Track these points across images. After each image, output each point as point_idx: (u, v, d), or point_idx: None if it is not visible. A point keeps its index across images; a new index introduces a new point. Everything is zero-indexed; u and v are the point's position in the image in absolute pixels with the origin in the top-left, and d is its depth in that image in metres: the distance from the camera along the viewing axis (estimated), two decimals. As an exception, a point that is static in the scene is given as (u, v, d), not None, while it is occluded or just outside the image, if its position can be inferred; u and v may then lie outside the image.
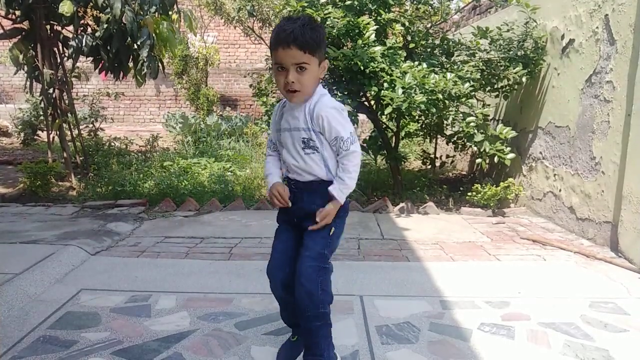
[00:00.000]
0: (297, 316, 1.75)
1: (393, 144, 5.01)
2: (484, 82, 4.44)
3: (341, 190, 1.68)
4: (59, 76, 5.17)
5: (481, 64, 4.45)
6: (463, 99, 4.11)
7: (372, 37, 4.07)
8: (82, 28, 4.90)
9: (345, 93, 4.33)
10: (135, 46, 4.86)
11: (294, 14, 4.38)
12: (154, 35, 4.76)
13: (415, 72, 3.94)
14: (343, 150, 1.67)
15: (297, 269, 1.68)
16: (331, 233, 1.74)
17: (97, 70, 5.21)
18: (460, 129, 4.25)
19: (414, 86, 3.90)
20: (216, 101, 12.15)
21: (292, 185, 1.76)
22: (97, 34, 4.67)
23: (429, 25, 5.07)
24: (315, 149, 1.68)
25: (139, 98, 13.69)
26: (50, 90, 5.08)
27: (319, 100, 1.67)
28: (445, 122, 4.72)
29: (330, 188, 1.68)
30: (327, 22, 4.09)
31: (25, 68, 5.07)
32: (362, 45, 4.04)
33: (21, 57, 5.01)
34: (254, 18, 9.90)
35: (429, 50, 4.69)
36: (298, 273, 1.67)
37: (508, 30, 4.44)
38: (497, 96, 4.67)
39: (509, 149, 4.09)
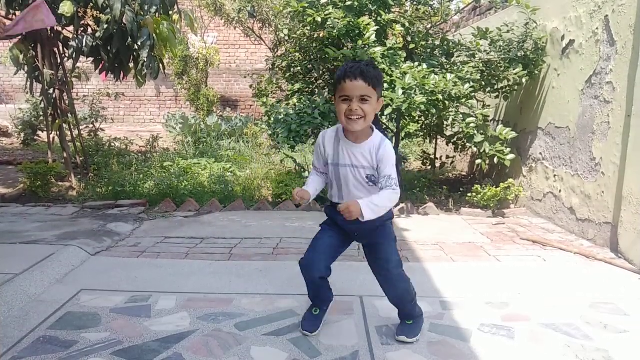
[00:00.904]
0: (326, 297, 2.15)
1: (393, 145, 4.99)
2: (484, 83, 4.45)
3: (369, 207, 1.84)
4: (59, 76, 5.17)
5: (481, 64, 4.46)
6: (463, 100, 4.11)
7: (373, 37, 4.07)
8: (82, 28, 4.90)
9: (346, 93, 4.33)
10: (136, 46, 4.87)
11: (295, 14, 4.40)
12: (154, 35, 4.77)
13: (416, 73, 3.94)
14: (388, 186, 1.91)
15: (390, 278, 2.04)
16: (395, 239, 2.07)
17: (97, 71, 5.21)
18: (460, 130, 4.25)
19: (414, 87, 3.90)
20: (216, 102, 12.15)
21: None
22: (98, 34, 4.67)
23: (429, 26, 5.08)
24: (375, 183, 1.94)
25: (139, 98, 13.69)
26: (51, 91, 5.08)
27: (381, 144, 1.91)
28: (445, 122, 4.72)
29: (361, 201, 1.84)
30: (328, 23, 4.09)
31: (26, 68, 5.07)
32: (363, 46, 4.04)
33: (21, 57, 5.01)
34: (254, 19, 9.90)
35: (429, 51, 4.69)
36: (393, 279, 2.03)
37: (508, 31, 4.45)
38: (497, 97, 4.67)
39: (509, 149, 4.09)
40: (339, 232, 2.04)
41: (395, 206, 4.33)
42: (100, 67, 5.16)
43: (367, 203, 1.83)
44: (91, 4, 4.59)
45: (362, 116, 1.84)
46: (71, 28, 4.90)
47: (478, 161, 4.29)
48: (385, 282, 2.06)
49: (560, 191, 3.87)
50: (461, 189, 4.87)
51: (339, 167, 1.95)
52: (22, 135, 8.12)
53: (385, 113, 4.00)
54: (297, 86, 4.83)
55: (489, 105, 4.95)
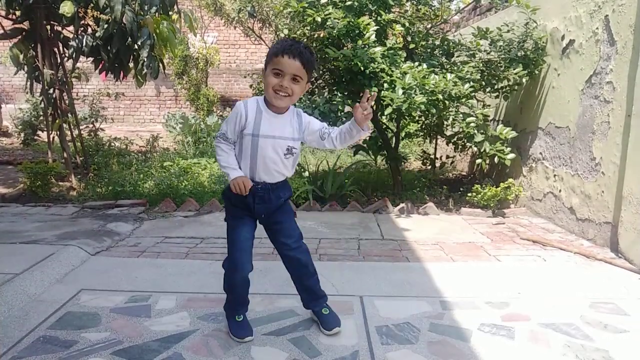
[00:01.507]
0: (247, 299, 2.12)
1: (393, 145, 5.01)
2: (484, 83, 4.45)
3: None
4: (59, 76, 5.17)
5: (481, 64, 4.46)
6: (463, 100, 4.11)
7: (373, 37, 4.07)
8: (82, 28, 4.90)
9: (346, 93, 4.33)
10: (136, 46, 4.87)
11: (295, 14, 4.39)
12: (154, 35, 4.76)
13: (416, 73, 3.94)
14: (326, 133, 2.02)
15: (294, 254, 2.04)
16: (295, 215, 2.12)
17: (97, 71, 5.21)
18: (461, 130, 4.25)
19: (414, 87, 3.90)
20: (216, 101, 12.15)
21: (260, 188, 1.97)
22: (98, 34, 4.67)
23: (429, 26, 5.07)
24: (293, 154, 1.99)
25: (139, 98, 13.69)
26: (51, 91, 5.08)
27: (299, 113, 2.02)
28: (445, 122, 4.72)
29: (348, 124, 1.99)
30: (328, 23, 4.09)
31: (26, 68, 5.07)
32: (363, 46, 4.04)
33: (21, 57, 5.00)
34: (254, 19, 9.90)
35: (429, 50, 4.69)
36: (297, 255, 2.04)
37: (508, 31, 4.45)
38: (497, 97, 4.67)
39: (509, 149, 4.09)
40: (250, 221, 2.02)
41: (395, 206, 4.34)
42: (100, 67, 5.16)
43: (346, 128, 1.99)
44: (91, 4, 4.58)
45: (289, 95, 1.89)
46: (71, 28, 4.90)
47: (478, 161, 4.29)
48: (289, 262, 2.07)
49: (560, 191, 3.87)
50: (461, 189, 4.87)
51: (257, 138, 1.92)
52: (22, 135, 8.11)
53: (385, 113, 4.00)
54: (297, 86, 4.82)
55: (489, 105, 4.95)
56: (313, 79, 2.01)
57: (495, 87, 4.55)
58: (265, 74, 1.92)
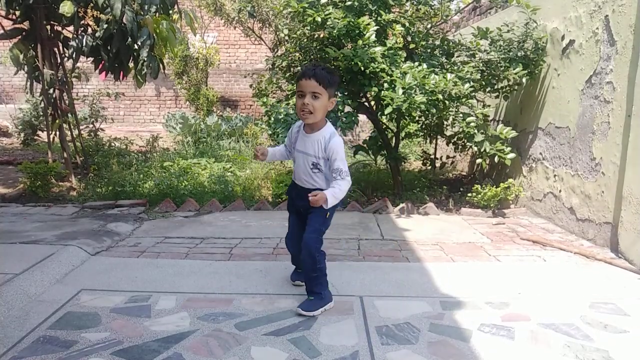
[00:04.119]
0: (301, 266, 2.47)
1: (393, 145, 5.01)
2: (484, 83, 4.45)
3: (331, 195, 2.25)
4: (59, 76, 5.17)
5: (481, 64, 4.45)
6: (463, 100, 4.11)
7: (373, 37, 4.07)
8: (82, 28, 4.90)
9: (346, 93, 4.33)
10: (136, 46, 4.87)
11: (295, 14, 4.39)
12: (154, 34, 4.76)
13: (416, 73, 3.94)
14: (339, 177, 2.27)
15: (304, 237, 2.31)
16: (327, 216, 2.36)
17: (97, 71, 5.21)
18: (461, 130, 4.25)
19: (414, 86, 3.90)
20: (216, 101, 12.14)
21: (299, 188, 2.40)
22: (98, 34, 4.67)
23: (429, 26, 5.07)
24: (320, 170, 2.32)
25: (139, 98, 13.69)
26: (51, 91, 5.08)
27: (330, 139, 2.27)
28: (445, 122, 4.72)
29: (327, 192, 2.26)
30: (328, 23, 4.09)
31: (26, 68, 5.07)
32: (363, 46, 4.04)
33: (21, 57, 5.01)
34: (254, 19, 9.90)
35: (429, 50, 4.69)
36: (304, 240, 2.30)
37: (508, 31, 4.45)
38: (497, 97, 4.67)
39: (509, 149, 4.09)
40: (297, 212, 2.46)
41: (395, 206, 4.34)
42: (100, 67, 5.16)
43: (330, 193, 2.24)
44: (91, 4, 4.58)
45: (311, 111, 2.21)
46: (71, 28, 4.90)
47: (478, 161, 4.29)
48: (302, 242, 2.32)
49: (560, 191, 3.87)
50: (461, 189, 4.87)
51: (294, 151, 2.40)
52: (22, 135, 8.12)
53: (386, 113, 3.99)
54: (297, 86, 4.82)
55: (489, 105, 4.95)
56: (337, 94, 2.29)
57: (495, 87, 4.55)
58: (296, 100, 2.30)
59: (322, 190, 2.29)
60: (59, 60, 5.16)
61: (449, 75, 3.99)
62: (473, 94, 4.23)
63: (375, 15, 4.34)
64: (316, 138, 2.28)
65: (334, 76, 2.27)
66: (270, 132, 4.49)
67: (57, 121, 5.17)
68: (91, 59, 5.16)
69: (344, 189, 2.28)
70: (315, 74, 2.19)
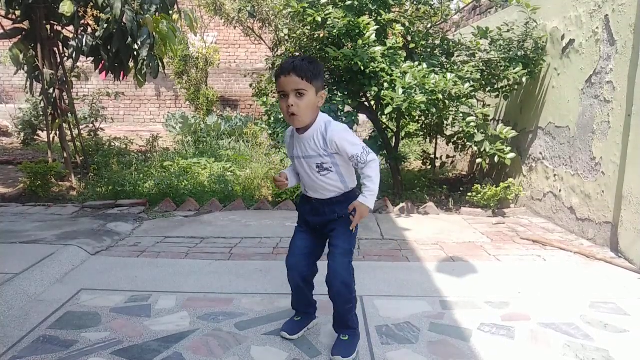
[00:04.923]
0: (307, 301, 2.09)
1: (393, 144, 5.01)
2: (484, 83, 4.45)
3: (368, 198, 1.89)
4: (59, 76, 5.17)
5: (481, 64, 4.45)
6: (463, 99, 4.11)
7: (373, 37, 4.07)
8: (82, 28, 4.90)
9: (346, 93, 4.33)
10: (136, 46, 4.86)
11: (295, 14, 4.39)
12: (154, 34, 4.76)
13: (416, 72, 3.94)
14: (361, 163, 1.87)
15: (332, 264, 1.91)
16: (353, 231, 1.96)
17: (97, 70, 5.21)
18: (461, 129, 4.25)
19: (414, 86, 3.90)
20: (216, 101, 12.14)
21: (313, 201, 2.00)
22: (98, 33, 4.67)
23: (429, 26, 5.07)
24: (329, 169, 1.91)
25: (139, 98, 13.69)
26: (51, 90, 5.08)
27: (327, 128, 1.88)
28: (445, 122, 4.72)
29: (359, 198, 1.90)
30: (328, 22, 4.09)
31: (26, 68, 5.07)
32: (363, 46, 4.04)
33: (21, 57, 5.00)
34: (254, 18, 9.90)
35: (429, 50, 4.69)
36: (334, 268, 1.90)
37: (508, 31, 4.45)
38: (497, 96, 4.67)
39: (509, 148, 4.09)
40: (307, 229, 2.03)
41: (395, 205, 4.34)
42: (100, 66, 5.15)
43: (363, 198, 1.89)
44: (91, 4, 4.58)
45: (296, 113, 1.83)
46: (71, 28, 4.90)
47: (478, 160, 4.29)
48: (328, 270, 1.92)
49: (560, 191, 3.87)
50: (461, 189, 4.87)
51: (294, 159, 2.00)
52: (22, 134, 8.12)
53: (386, 112, 4.00)
54: (297, 86, 4.83)
55: (489, 105, 4.95)
56: (324, 85, 1.89)
57: (495, 86, 4.55)
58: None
59: (342, 192, 1.96)
60: (58, 60, 5.16)
61: (449, 75, 3.99)
62: (473, 93, 4.23)
63: (375, 15, 4.34)
64: (311, 134, 1.90)
65: (318, 65, 1.88)
66: (270, 132, 4.49)
67: (57, 121, 5.17)
68: (91, 58, 5.16)
69: (375, 172, 1.88)
70: (294, 68, 1.80)
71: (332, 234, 1.97)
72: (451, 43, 4.76)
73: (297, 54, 4.70)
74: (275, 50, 9.43)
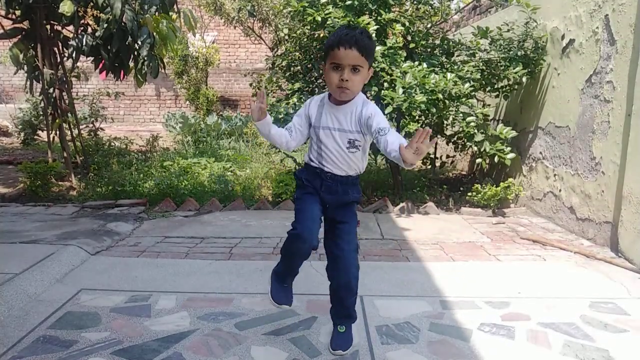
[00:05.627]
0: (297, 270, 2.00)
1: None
2: (484, 82, 4.44)
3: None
4: (59, 76, 5.17)
5: (481, 64, 4.45)
6: (463, 99, 4.11)
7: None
8: (82, 28, 4.90)
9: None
10: (136, 46, 4.86)
11: (295, 14, 4.39)
12: (154, 34, 4.76)
13: (416, 72, 3.94)
14: (384, 131, 1.80)
15: (346, 260, 1.90)
16: (358, 225, 1.96)
17: (97, 70, 5.21)
18: (461, 129, 4.25)
19: (414, 86, 3.90)
20: (216, 101, 12.15)
21: (328, 177, 1.91)
22: (98, 33, 4.67)
23: (429, 25, 5.07)
24: (358, 148, 1.88)
25: (139, 98, 13.69)
26: (50, 90, 5.08)
27: (365, 104, 1.85)
28: (445, 122, 4.72)
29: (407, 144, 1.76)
30: (328, 22, 4.09)
31: (25, 68, 5.06)
32: (363, 45, 4.03)
33: (21, 56, 5.00)
34: (254, 18, 9.90)
35: (429, 50, 4.69)
36: (348, 263, 1.91)
37: (508, 30, 4.44)
38: (497, 96, 4.67)
39: (509, 148, 4.09)
40: (318, 200, 1.92)
41: (395, 205, 4.34)
42: (100, 66, 5.15)
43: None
44: (91, 3, 4.58)
45: (350, 88, 1.79)
46: (71, 27, 4.90)
47: (478, 160, 4.29)
48: (336, 264, 1.93)
49: (560, 190, 3.87)
50: (461, 189, 4.87)
51: (319, 130, 1.89)
52: (22, 134, 8.12)
53: (386, 112, 3.99)
54: (297, 85, 4.82)
55: (489, 105, 4.94)
56: (370, 64, 1.85)
57: (495, 86, 4.55)
58: (325, 70, 1.83)
59: (357, 173, 1.92)
60: (58, 60, 5.16)
61: (449, 75, 3.99)
62: (473, 93, 4.23)
63: (375, 15, 4.34)
64: (350, 109, 1.84)
65: (374, 41, 1.84)
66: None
67: (57, 121, 5.17)
68: (91, 58, 5.16)
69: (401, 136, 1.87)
70: (357, 42, 1.73)
71: (343, 227, 1.93)
72: (451, 43, 4.76)
73: (297, 53, 4.71)
74: (275, 49, 9.43)
